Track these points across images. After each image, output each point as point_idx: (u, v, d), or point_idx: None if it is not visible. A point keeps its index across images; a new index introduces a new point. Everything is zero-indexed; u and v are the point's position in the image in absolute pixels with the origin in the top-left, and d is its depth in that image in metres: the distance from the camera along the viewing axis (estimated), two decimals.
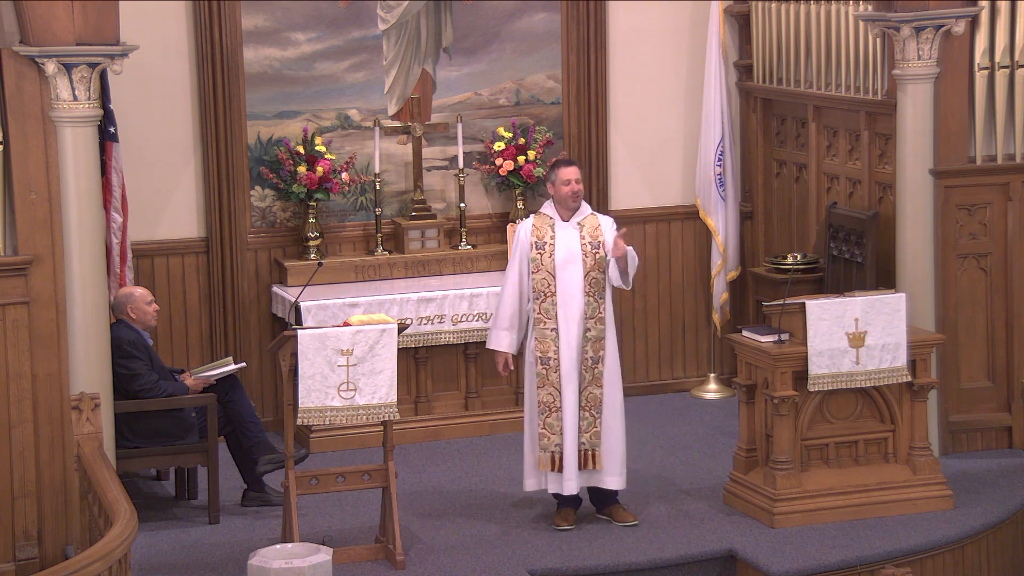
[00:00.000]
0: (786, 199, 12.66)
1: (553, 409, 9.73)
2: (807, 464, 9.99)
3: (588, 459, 9.78)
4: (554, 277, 9.70)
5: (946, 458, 10.79)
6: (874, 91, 11.34)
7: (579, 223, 9.77)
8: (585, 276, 9.70)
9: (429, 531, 9.93)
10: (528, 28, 12.47)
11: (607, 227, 9.80)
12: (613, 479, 9.87)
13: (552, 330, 9.71)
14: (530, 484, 9.92)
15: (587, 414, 9.77)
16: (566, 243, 9.72)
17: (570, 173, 9.77)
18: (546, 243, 9.73)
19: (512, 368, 9.98)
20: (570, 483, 9.77)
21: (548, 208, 9.85)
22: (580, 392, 9.74)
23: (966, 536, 9.78)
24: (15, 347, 9.59)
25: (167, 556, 9.65)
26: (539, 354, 9.74)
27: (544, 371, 9.74)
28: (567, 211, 9.79)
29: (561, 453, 9.73)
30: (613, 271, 9.72)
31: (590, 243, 9.73)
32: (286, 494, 9.41)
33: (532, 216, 9.88)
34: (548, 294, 9.71)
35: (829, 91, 11.86)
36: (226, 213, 11.83)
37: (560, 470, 9.74)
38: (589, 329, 9.72)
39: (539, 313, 9.73)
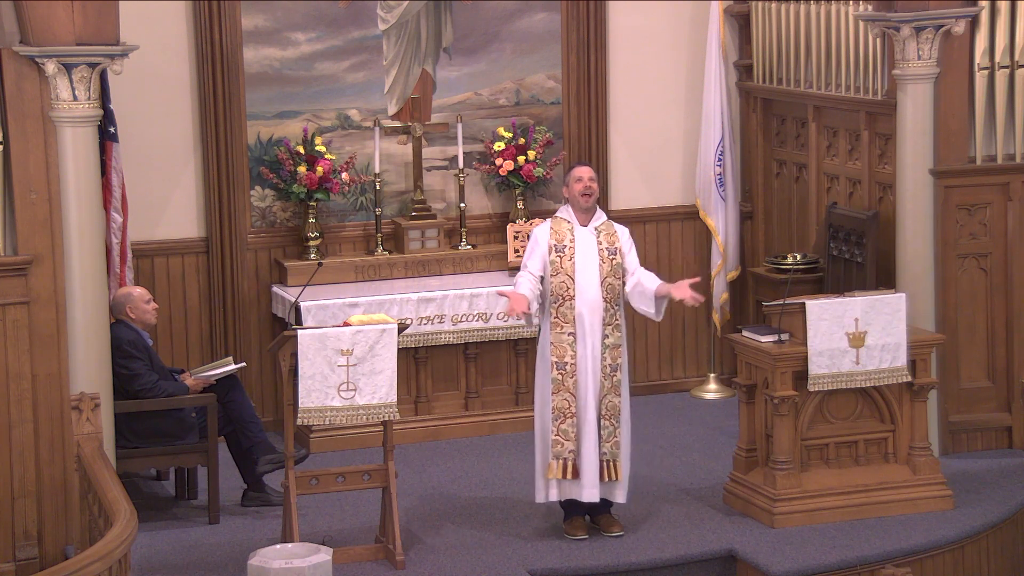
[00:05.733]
0: (786, 199, 12.66)
1: (568, 415, 9.61)
2: (807, 464, 9.99)
3: (609, 470, 9.63)
4: (573, 280, 9.55)
5: (946, 458, 10.78)
6: (874, 91, 11.34)
7: (596, 228, 9.69)
8: (602, 282, 9.58)
9: (429, 531, 9.92)
10: (528, 28, 12.47)
11: (623, 237, 9.72)
12: (621, 492, 9.76)
13: (569, 334, 9.57)
14: (540, 496, 9.75)
15: (607, 423, 9.63)
16: (584, 247, 9.62)
17: (583, 172, 9.67)
18: (566, 246, 9.60)
19: (526, 312, 9.42)
20: (591, 490, 9.62)
21: (565, 212, 9.72)
22: (600, 401, 9.61)
23: (966, 536, 9.78)
24: (15, 347, 9.58)
25: (167, 556, 9.65)
26: (555, 359, 9.60)
27: (560, 376, 9.60)
28: (583, 214, 9.68)
29: (575, 460, 9.61)
30: (648, 303, 9.57)
31: (607, 249, 9.63)
32: (286, 494, 9.41)
33: (549, 220, 9.76)
34: (567, 297, 9.57)
35: (829, 91, 11.86)
36: (226, 213, 11.82)
37: (575, 477, 9.61)
38: (607, 336, 9.60)
39: (556, 317, 9.60)
